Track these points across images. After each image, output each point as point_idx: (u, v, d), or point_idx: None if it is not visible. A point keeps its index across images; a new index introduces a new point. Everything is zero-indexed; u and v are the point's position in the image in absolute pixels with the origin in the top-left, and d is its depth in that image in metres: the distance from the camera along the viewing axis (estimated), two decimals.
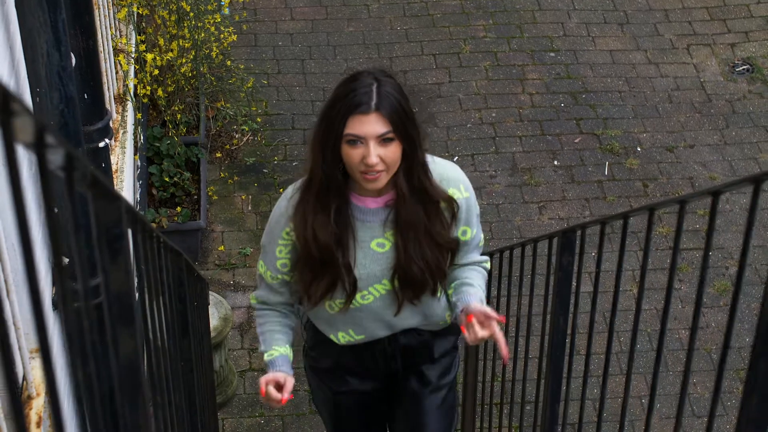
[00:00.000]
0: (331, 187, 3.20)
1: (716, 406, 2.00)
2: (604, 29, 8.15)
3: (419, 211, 3.27)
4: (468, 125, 7.37)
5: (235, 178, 6.94)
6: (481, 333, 3.18)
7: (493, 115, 7.45)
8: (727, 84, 7.74)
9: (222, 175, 6.94)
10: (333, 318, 3.52)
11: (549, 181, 7.01)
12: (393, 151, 3.11)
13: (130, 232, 1.88)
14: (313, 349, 3.74)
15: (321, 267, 3.31)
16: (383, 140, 3.08)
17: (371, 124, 3.07)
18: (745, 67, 7.87)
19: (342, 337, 3.58)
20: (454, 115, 7.42)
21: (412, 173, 3.20)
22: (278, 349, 3.51)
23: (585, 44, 8.02)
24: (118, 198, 1.60)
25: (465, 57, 7.87)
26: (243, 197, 6.84)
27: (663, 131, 7.37)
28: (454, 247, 3.40)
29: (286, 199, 3.36)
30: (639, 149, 7.23)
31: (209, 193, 6.72)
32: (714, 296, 6.33)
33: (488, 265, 3.60)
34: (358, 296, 3.42)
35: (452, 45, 7.97)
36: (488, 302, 3.92)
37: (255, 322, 3.70)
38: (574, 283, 3.49)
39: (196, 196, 6.45)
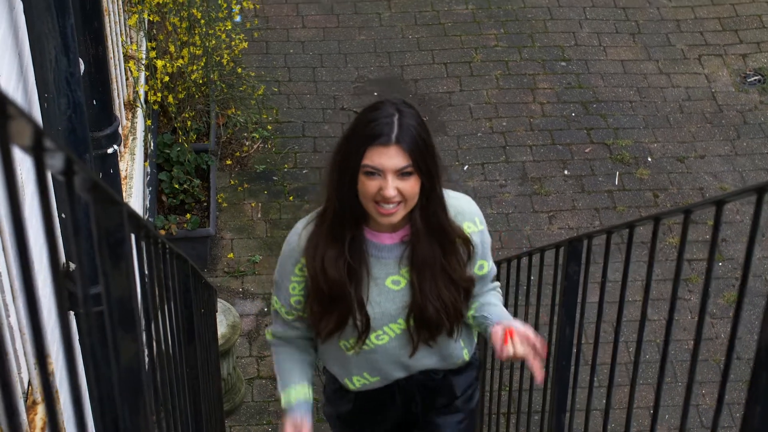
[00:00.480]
0: (346, 218, 3.10)
1: (719, 415, 1.99)
2: (616, 39, 8.15)
3: (435, 249, 3.16)
4: (478, 134, 7.36)
5: (245, 185, 6.94)
6: (520, 350, 3.05)
7: (504, 124, 7.45)
8: (739, 95, 7.72)
9: (232, 182, 6.94)
10: (347, 360, 3.40)
11: (559, 191, 7.00)
12: (411, 186, 3.00)
13: (133, 237, 1.88)
14: (332, 396, 3.63)
15: (330, 302, 3.20)
16: (402, 174, 2.98)
17: (390, 158, 2.96)
18: (756, 77, 7.85)
19: (357, 381, 3.46)
20: (465, 124, 7.42)
21: (428, 209, 3.10)
22: (296, 393, 3.38)
23: (596, 54, 8.01)
24: (119, 203, 1.60)
25: (476, 66, 7.87)
26: (253, 204, 6.84)
27: (674, 141, 7.36)
28: (469, 287, 3.27)
29: (297, 233, 3.26)
30: (650, 159, 7.22)
31: (219, 201, 6.72)
32: (724, 307, 6.31)
33: (500, 290, 3.52)
34: (372, 336, 3.30)
35: (463, 54, 7.97)
36: None
37: (273, 358, 3.57)
38: (583, 293, 3.48)
39: (205, 203, 6.45)
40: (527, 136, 7.36)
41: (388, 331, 3.30)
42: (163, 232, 6.10)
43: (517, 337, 3.07)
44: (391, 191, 2.96)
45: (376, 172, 2.97)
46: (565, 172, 7.12)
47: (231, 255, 6.52)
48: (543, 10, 8.36)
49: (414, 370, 3.45)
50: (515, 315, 4.47)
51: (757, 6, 8.44)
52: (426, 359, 3.42)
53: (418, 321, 3.24)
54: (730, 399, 5.63)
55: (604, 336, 5.34)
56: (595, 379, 4.75)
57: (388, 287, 3.23)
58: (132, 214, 1.79)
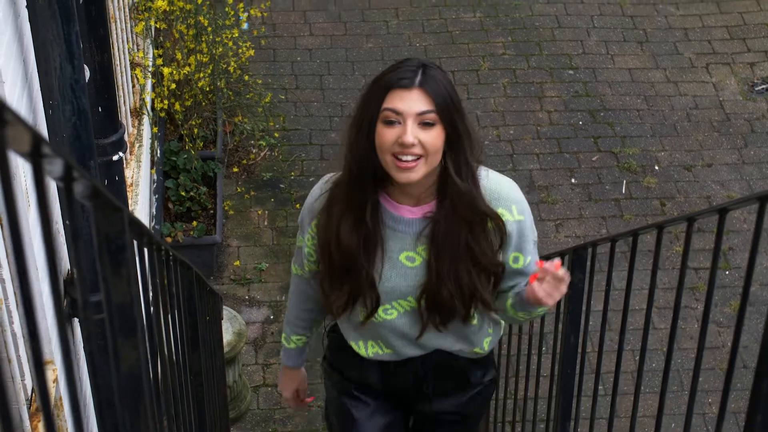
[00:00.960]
0: (364, 180, 2.90)
1: (722, 423, 1.99)
2: (624, 47, 8.14)
3: (462, 228, 2.94)
4: (486, 142, 7.36)
5: (252, 193, 6.94)
6: (545, 287, 2.85)
7: (511, 132, 7.44)
8: (746, 103, 7.71)
9: (238, 189, 6.95)
10: (359, 327, 3.23)
11: (566, 199, 7.00)
12: (433, 138, 2.79)
13: (135, 244, 1.88)
14: (335, 357, 3.49)
15: (341, 275, 3.05)
16: (423, 124, 2.78)
17: (412, 100, 2.78)
18: (764, 86, 7.84)
19: (371, 348, 3.28)
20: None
21: (459, 173, 2.87)
22: (296, 340, 3.54)
23: (604, 62, 8.01)
24: (120, 209, 1.60)
25: (483, 74, 7.87)
26: (259, 212, 6.84)
27: (681, 150, 7.35)
28: (498, 272, 3.04)
29: (320, 188, 3.11)
30: (657, 168, 7.21)
31: (225, 208, 6.72)
32: (730, 316, 6.29)
33: None
34: (380, 310, 3.13)
35: (471, 62, 7.97)
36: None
37: (290, 288, 3.55)
38: (587, 301, 3.48)
39: (212, 211, 6.46)
40: (534, 145, 7.36)
41: (396, 306, 3.13)
42: (169, 239, 6.10)
43: (542, 274, 2.85)
44: (410, 137, 2.76)
45: (395, 119, 2.79)
46: (572, 180, 7.11)
47: (237, 262, 6.52)
48: (551, 18, 8.36)
49: (428, 349, 3.26)
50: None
51: (765, 14, 8.43)
52: (440, 339, 3.22)
53: (430, 303, 3.06)
54: (737, 408, 5.61)
55: (610, 344, 5.33)
56: (601, 387, 4.75)
57: (401, 262, 3.04)
58: (134, 220, 1.79)
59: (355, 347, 3.32)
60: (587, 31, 8.26)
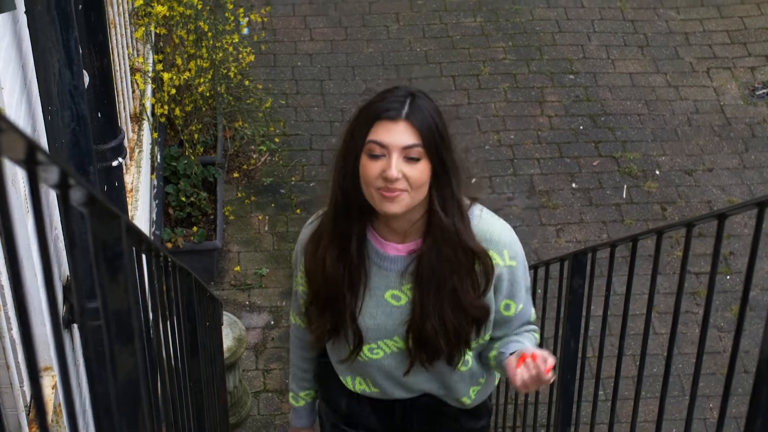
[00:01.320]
0: (350, 212, 2.82)
1: (722, 428, 1.98)
2: (624, 52, 8.14)
3: (446, 266, 2.83)
4: (486, 147, 7.36)
5: (252, 198, 6.94)
6: (533, 372, 2.69)
7: (512, 137, 7.44)
8: (747, 107, 7.71)
9: (239, 195, 6.94)
10: (347, 364, 3.15)
11: (567, 204, 6.99)
12: (419, 172, 2.69)
13: (134, 251, 1.88)
14: (324, 387, 3.38)
15: (324, 304, 2.98)
16: (409, 159, 2.67)
17: (398, 133, 2.67)
18: (765, 90, 7.84)
19: (358, 385, 3.19)
20: (473, 137, 7.41)
21: (445, 209, 2.78)
22: (304, 396, 3.41)
23: (604, 67, 8.00)
24: (117, 215, 1.60)
25: (484, 79, 7.87)
26: (260, 217, 6.84)
27: (682, 154, 7.35)
28: (481, 316, 2.91)
29: (311, 220, 3.04)
30: (657, 172, 7.20)
31: (226, 213, 6.72)
32: (731, 320, 6.29)
33: (538, 335, 3.11)
34: (365, 349, 3.04)
35: (471, 67, 7.97)
36: None
37: (290, 339, 3.44)
38: (587, 306, 3.47)
39: (212, 216, 6.45)
40: (535, 149, 7.35)
41: (382, 346, 3.03)
42: (169, 245, 6.10)
43: (539, 359, 2.69)
44: (394, 171, 2.66)
45: (380, 152, 2.68)
46: (573, 185, 7.11)
47: (238, 268, 6.51)
48: (551, 23, 8.36)
49: (414, 392, 3.16)
50: None
51: (766, 19, 8.43)
52: (426, 383, 3.13)
53: (416, 339, 2.95)
54: (738, 413, 5.60)
55: (611, 349, 5.32)
56: (602, 392, 4.74)
57: (386, 301, 2.96)
58: (131, 227, 1.78)
59: (342, 381, 3.24)
60: (588, 35, 8.26)
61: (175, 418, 2.48)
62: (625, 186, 7.11)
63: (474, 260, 2.85)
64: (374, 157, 2.69)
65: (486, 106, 7.65)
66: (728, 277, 6.44)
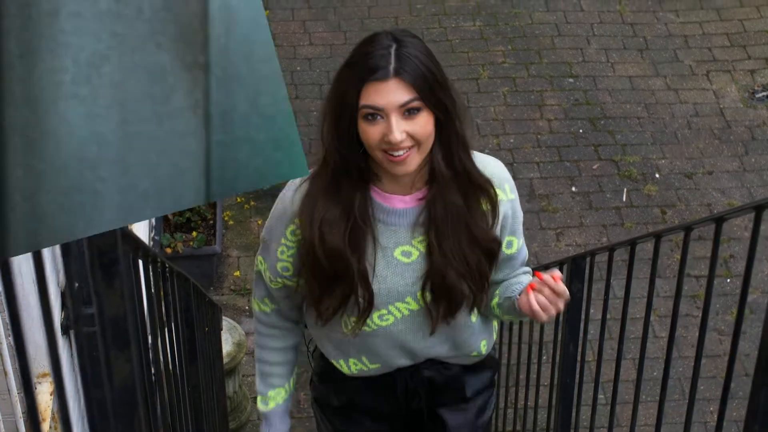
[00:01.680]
0: (349, 173, 2.64)
1: (721, 431, 1.98)
2: (624, 55, 8.14)
3: (460, 202, 2.68)
4: (486, 151, 7.34)
5: (252, 203, 6.94)
6: (541, 299, 2.62)
7: (511, 140, 7.44)
8: (747, 110, 7.70)
9: (238, 200, 6.94)
10: (344, 341, 2.91)
11: (566, 208, 6.99)
12: (422, 124, 2.53)
13: (131, 257, 1.88)
14: (322, 382, 3.15)
15: (329, 279, 2.73)
16: (408, 112, 2.50)
17: (390, 92, 2.49)
18: (764, 93, 7.84)
19: (354, 366, 2.98)
20: (472, 141, 7.40)
21: (451, 152, 2.62)
22: (275, 395, 3.12)
23: (604, 70, 8.00)
24: None
25: (483, 82, 7.87)
26: (259, 222, 6.83)
27: (682, 158, 7.34)
28: (495, 249, 2.78)
29: (293, 190, 2.78)
30: (657, 175, 7.20)
31: (225, 218, 6.72)
32: (732, 324, 6.27)
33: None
34: (375, 316, 2.82)
35: (470, 70, 7.97)
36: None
37: (254, 337, 3.16)
38: (586, 310, 3.47)
39: (212, 221, 6.45)
40: (534, 153, 7.35)
41: (393, 311, 2.82)
42: (169, 250, 6.09)
43: (536, 279, 2.62)
44: (397, 135, 2.49)
45: (377, 114, 2.51)
46: (573, 188, 7.11)
47: (237, 273, 6.51)
48: (550, 27, 8.35)
49: (420, 359, 2.97)
50: (519, 331, 4.44)
51: (765, 22, 8.43)
52: (437, 347, 2.95)
53: (438, 290, 2.76)
54: (739, 416, 5.59)
55: (610, 353, 5.31)
56: (601, 396, 4.73)
57: (397, 259, 2.76)
58: (127, 233, 1.78)
59: (336, 365, 3.03)
60: (587, 39, 8.25)
61: (173, 423, 2.48)
62: (625, 189, 7.11)
63: (479, 195, 2.73)
64: (371, 119, 2.52)
65: (485, 110, 7.65)
66: (728, 280, 6.44)
